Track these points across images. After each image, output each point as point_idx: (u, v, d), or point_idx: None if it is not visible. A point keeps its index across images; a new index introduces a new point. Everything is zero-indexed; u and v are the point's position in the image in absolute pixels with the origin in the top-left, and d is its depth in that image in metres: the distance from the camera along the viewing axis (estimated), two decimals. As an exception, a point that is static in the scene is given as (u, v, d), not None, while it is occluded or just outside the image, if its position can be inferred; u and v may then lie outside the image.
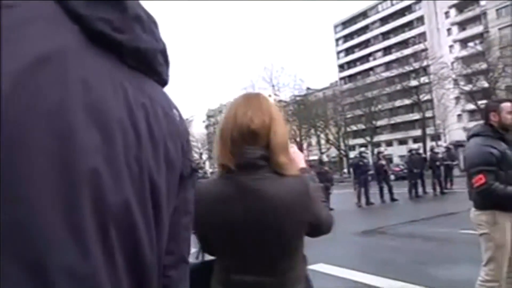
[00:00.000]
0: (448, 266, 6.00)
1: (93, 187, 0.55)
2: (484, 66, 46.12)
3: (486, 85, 45.27)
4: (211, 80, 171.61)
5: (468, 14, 62.92)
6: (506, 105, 3.45)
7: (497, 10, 59.16)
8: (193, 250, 2.87)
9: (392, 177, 17.62)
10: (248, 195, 1.42)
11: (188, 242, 0.82)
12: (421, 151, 19.30)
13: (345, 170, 53.16)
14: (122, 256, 0.60)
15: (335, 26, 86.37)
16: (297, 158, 1.65)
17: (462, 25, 64.12)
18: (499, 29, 55.49)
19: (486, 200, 3.40)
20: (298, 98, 57.16)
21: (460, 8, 64.17)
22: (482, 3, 60.89)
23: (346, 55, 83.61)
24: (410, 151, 17.57)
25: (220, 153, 1.48)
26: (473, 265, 5.77)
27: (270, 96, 56.98)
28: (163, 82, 0.75)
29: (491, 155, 3.29)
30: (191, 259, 1.67)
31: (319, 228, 1.56)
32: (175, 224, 0.75)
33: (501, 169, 3.28)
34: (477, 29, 60.49)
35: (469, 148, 3.61)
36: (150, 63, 0.70)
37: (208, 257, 1.60)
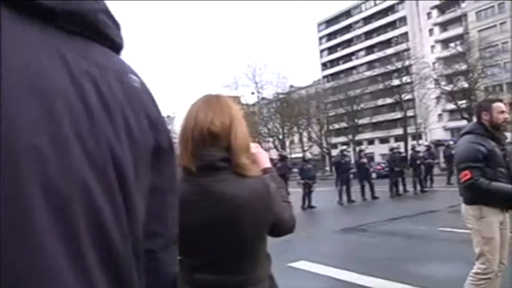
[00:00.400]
0: (427, 263, 6.08)
1: (37, 167, 0.50)
2: (464, 67, 46.81)
3: (466, 85, 45.98)
4: (194, 77, 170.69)
5: (450, 15, 63.76)
6: (497, 105, 3.58)
7: (476, 12, 60.18)
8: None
9: (373, 175, 17.78)
10: (209, 197, 1.43)
11: (176, 222, 0.79)
12: (401, 149, 19.46)
13: (327, 168, 53.45)
14: (89, 247, 0.54)
15: (319, 25, 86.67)
16: (262, 158, 1.68)
17: (444, 26, 64.95)
18: (479, 31, 56.45)
19: (472, 195, 3.53)
20: (281, 96, 57.29)
21: (442, 9, 64.98)
22: (462, 5, 61.78)
23: (329, 53, 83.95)
24: (391, 149, 17.75)
25: (181, 155, 1.48)
26: (451, 262, 5.88)
27: (253, 93, 57.22)
28: (117, 46, 0.68)
29: (478, 152, 3.43)
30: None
31: (280, 228, 1.58)
32: (160, 204, 0.70)
33: (489, 166, 3.41)
34: (457, 30, 61.31)
35: (459, 145, 3.76)
36: (93, 26, 0.62)
37: None
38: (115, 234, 0.58)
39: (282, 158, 15.54)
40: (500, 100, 3.72)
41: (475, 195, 3.51)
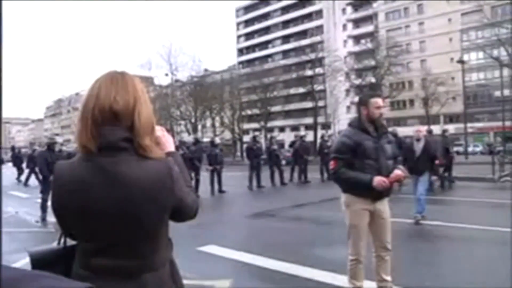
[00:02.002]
0: (331, 247, 6.30)
1: None
2: (372, 63, 49.68)
3: (373, 80, 48.85)
4: (109, 54, 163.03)
5: (362, 13, 66.85)
6: (374, 100, 3.76)
7: (386, 13, 63.83)
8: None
9: (283, 162, 18.16)
10: (108, 178, 1.37)
11: None
12: (306, 138, 19.87)
13: (238, 153, 53.98)
14: None
15: (237, 10, 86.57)
16: (166, 142, 1.63)
17: (357, 23, 67.99)
18: (387, 30, 59.94)
19: (338, 183, 3.84)
20: (195, 79, 56.58)
21: (355, 6, 67.89)
22: (374, 5, 65.02)
23: (246, 40, 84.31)
24: (300, 137, 18.26)
25: (81, 134, 1.42)
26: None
27: (167, 75, 55.87)
28: None
29: (343, 145, 3.69)
30: (54, 244, 1.56)
31: (183, 213, 1.54)
32: None
33: (356, 157, 3.63)
34: (369, 28, 64.55)
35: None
36: None
37: (71, 242, 1.54)
38: None
39: (197, 141, 15.39)
40: (379, 95, 3.91)
41: (338, 183, 3.82)
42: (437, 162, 8.91)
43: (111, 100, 1.41)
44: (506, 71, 38.42)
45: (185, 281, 1.68)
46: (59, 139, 11.67)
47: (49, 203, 7.44)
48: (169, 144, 1.65)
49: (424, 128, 8.85)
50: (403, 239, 6.67)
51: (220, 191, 14.43)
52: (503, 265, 5.20)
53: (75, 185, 1.39)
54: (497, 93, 46.50)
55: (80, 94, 63.06)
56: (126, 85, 1.47)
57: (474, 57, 52.60)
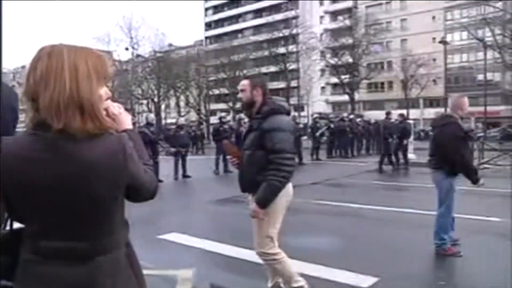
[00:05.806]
0: (300, 234, 6.43)
1: None
2: (350, 41, 49.87)
3: (350, 60, 49.09)
4: (63, 25, 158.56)
5: (341, -13, 66.90)
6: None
7: (366, -12, 64.04)
8: None
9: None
10: (57, 154, 1.38)
11: None
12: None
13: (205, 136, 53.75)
14: None
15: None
16: (123, 119, 1.68)
17: (334, -3, 68.02)
18: (366, 7, 60.25)
19: None
20: (158, 55, 55.79)
21: (334, -21, 67.83)
22: (354, -22, 65.18)
23: (215, 13, 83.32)
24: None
25: (29, 108, 1.42)
26: (322, 233, 6.28)
27: (127, 49, 54.87)
28: None
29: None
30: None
31: (139, 191, 1.57)
32: None
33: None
34: (347, 3, 64.70)
35: None
36: None
37: (18, 225, 1.53)
38: None
39: (179, 127, 15.57)
40: (249, 77, 3.81)
41: None
42: None
43: None
44: (490, 54, 39.16)
45: (145, 271, 1.70)
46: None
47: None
48: (126, 121, 1.69)
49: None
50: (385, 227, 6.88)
51: (185, 175, 14.41)
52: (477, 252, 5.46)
53: (22, 162, 1.38)
54: (480, 77, 47.55)
55: (27, 68, 61.21)
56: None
57: (457, 38, 53.55)
